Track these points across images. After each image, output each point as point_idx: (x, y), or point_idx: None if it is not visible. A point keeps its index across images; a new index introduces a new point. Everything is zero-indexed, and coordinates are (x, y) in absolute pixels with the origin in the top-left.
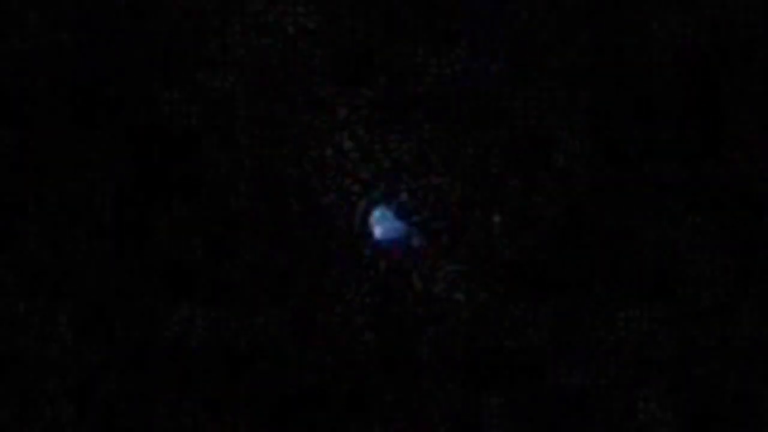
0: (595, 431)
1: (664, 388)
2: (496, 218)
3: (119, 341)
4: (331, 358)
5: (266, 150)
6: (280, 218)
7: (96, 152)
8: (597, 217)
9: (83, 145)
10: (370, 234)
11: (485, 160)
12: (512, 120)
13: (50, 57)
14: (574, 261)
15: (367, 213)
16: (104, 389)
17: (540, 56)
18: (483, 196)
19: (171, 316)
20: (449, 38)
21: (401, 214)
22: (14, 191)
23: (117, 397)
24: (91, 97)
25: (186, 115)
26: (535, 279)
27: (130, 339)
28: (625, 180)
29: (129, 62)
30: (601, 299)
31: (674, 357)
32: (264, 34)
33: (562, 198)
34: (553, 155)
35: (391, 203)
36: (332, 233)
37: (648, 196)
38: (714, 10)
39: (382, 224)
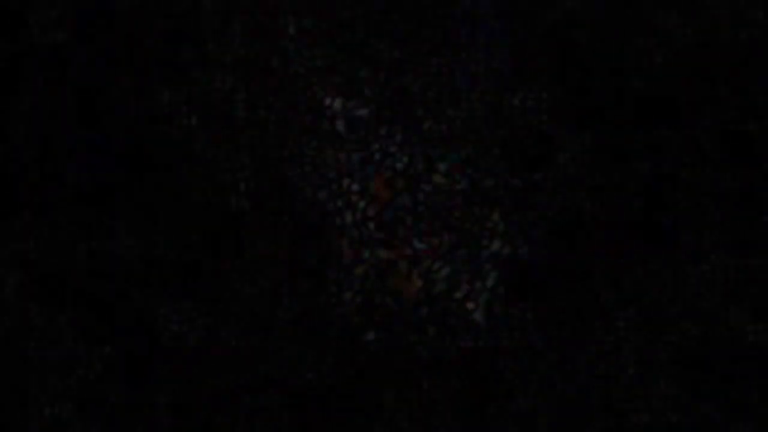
0: (595, 430)
1: (664, 388)
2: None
3: (119, 341)
4: (332, 358)
5: (266, 150)
6: (280, 218)
7: (95, 151)
8: (597, 217)
9: (82, 145)
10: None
11: (485, 159)
12: (512, 120)
13: (50, 56)
14: (574, 261)
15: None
16: (104, 389)
17: (540, 56)
18: (484, 195)
19: (171, 316)
20: (449, 38)
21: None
22: (14, 190)
23: (117, 398)
24: (91, 97)
25: (186, 115)
26: (535, 279)
27: (130, 339)
28: (625, 180)
29: (129, 62)
30: (601, 299)
31: (674, 357)
32: (264, 34)
33: (562, 198)
34: (553, 155)
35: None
36: (332, 233)
37: (648, 196)
38: (714, 10)
39: None
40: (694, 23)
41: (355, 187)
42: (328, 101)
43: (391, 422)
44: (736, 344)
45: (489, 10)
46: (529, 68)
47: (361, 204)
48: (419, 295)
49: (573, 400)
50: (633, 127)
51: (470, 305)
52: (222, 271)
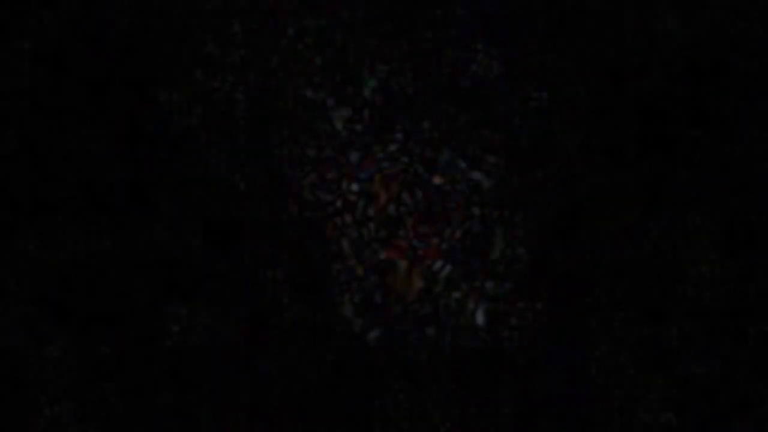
0: (595, 430)
1: (663, 387)
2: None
3: (119, 341)
4: (333, 358)
5: (265, 150)
6: (280, 218)
7: (96, 151)
8: (597, 216)
9: (83, 145)
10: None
11: (485, 161)
12: (512, 119)
13: (51, 56)
14: (574, 260)
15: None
16: (104, 389)
17: (539, 55)
18: (484, 195)
19: (171, 316)
20: (450, 38)
21: None
22: (14, 191)
23: (117, 397)
24: (90, 97)
25: (186, 115)
26: (536, 278)
27: (130, 339)
28: (625, 180)
29: (129, 62)
30: (601, 298)
31: (674, 356)
32: (264, 34)
33: (562, 197)
34: (553, 155)
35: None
36: (331, 233)
37: (648, 196)
38: (714, 10)
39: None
40: (694, 23)
41: (354, 187)
42: (329, 101)
43: (391, 422)
44: (736, 341)
45: (489, 9)
46: (529, 69)
47: (361, 204)
48: (419, 295)
49: (572, 399)
50: (633, 127)
51: (471, 305)
52: (223, 271)
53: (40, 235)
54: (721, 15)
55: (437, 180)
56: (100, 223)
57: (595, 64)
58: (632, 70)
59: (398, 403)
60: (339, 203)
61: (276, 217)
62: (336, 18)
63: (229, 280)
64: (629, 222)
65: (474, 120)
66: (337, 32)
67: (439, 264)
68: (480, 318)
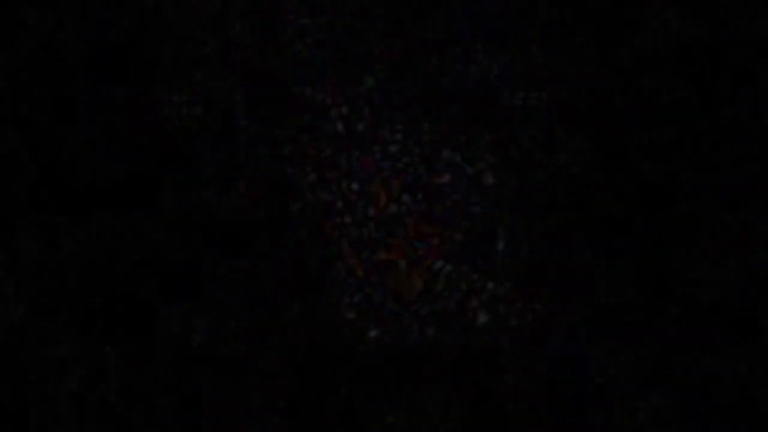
0: (594, 430)
1: (663, 386)
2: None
3: (120, 341)
4: (334, 357)
5: (265, 150)
6: (280, 218)
7: (96, 151)
8: (597, 216)
9: (83, 145)
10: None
11: (485, 160)
12: (512, 119)
13: (51, 56)
14: (574, 260)
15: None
16: (104, 389)
17: (540, 55)
18: (484, 195)
19: (171, 316)
20: (450, 38)
21: None
22: (14, 190)
23: (117, 397)
24: (90, 97)
25: (186, 115)
26: (536, 278)
27: (131, 339)
28: (625, 179)
29: (129, 62)
30: (601, 298)
31: (673, 355)
32: (264, 34)
33: (562, 197)
34: (553, 155)
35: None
36: (331, 233)
37: (647, 195)
38: (714, 9)
39: None
40: (693, 22)
41: (355, 187)
42: (328, 101)
43: (391, 422)
44: (737, 340)
45: (491, 9)
46: (529, 69)
47: (361, 204)
48: (419, 295)
49: (570, 398)
50: (633, 127)
51: (473, 305)
52: (223, 271)
53: (40, 235)
54: (721, 15)
55: (437, 180)
56: (100, 223)
57: (595, 64)
58: (632, 70)
59: (398, 403)
60: (339, 203)
61: (276, 217)
62: (336, 18)
63: (230, 280)
64: (629, 222)
65: (474, 120)
66: (337, 32)
67: (439, 264)
68: (480, 318)
